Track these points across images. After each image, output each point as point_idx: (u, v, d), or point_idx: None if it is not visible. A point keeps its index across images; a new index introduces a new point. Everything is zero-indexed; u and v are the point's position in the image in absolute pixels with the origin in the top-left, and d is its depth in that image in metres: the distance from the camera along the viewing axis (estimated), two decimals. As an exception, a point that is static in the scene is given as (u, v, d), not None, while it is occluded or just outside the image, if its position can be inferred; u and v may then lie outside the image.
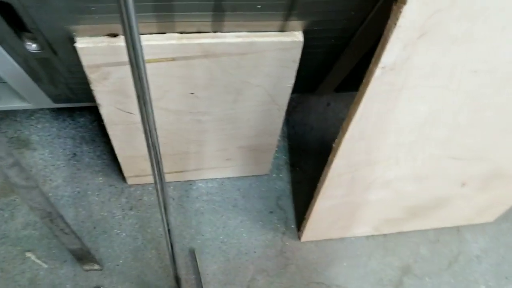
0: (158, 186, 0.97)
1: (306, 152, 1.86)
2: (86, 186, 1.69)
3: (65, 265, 1.56)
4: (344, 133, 1.16)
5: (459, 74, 1.02)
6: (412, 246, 1.76)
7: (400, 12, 0.85)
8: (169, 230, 1.13)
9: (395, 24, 0.87)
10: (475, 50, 0.96)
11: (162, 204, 1.03)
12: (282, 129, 1.51)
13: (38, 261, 1.55)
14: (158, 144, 0.87)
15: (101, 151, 1.74)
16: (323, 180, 1.35)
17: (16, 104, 1.49)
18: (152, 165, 0.91)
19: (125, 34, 0.68)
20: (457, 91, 1.07)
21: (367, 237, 1.75)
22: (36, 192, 1.07)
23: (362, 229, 1.70)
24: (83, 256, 1.50)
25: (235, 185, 1.74)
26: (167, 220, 1.09)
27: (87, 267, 1.56)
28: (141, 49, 0.70)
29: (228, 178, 1.74)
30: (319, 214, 1.52)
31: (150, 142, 0.85)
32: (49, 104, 1.49)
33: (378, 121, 1.13)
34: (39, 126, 1.76)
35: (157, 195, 1.00)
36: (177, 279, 1.44)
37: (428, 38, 0.91)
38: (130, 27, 0.66)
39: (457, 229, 1.81)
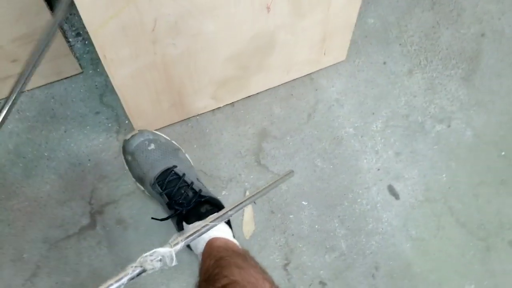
0: None
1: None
2: None
3: None
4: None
5: None
6: (264, 108, 1.59)
7: None
8: None
9: None
10: None
11: None
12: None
13: None
14: None
15: None
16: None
17: None
18: None
19: None
20: None
21: (213, 111, 1.57)
22: None
23: (200, 104, 1.51)
24: None
25: (47, 94, 1.51)
26: None
27: None
28: None
29: (38, 87, 1.51)
30: (127, 90, 1.31)
31: None
32: None
33: None
34: None
35: None
36: None
37: None
38: None
39: (310, 77, 1.63)
